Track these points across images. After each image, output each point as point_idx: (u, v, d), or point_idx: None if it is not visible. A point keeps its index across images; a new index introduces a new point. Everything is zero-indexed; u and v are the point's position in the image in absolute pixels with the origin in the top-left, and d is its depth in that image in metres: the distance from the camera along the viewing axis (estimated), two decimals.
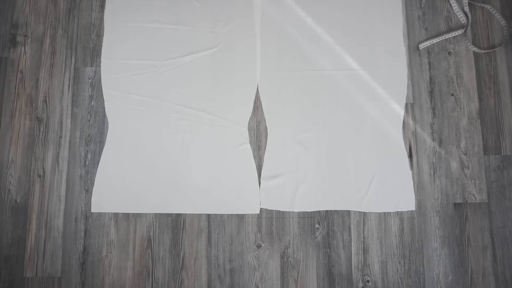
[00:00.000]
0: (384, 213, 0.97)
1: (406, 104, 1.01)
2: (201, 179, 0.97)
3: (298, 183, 0.98)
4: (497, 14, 1.05)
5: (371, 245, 0.96)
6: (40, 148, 0.99)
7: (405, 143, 1.00)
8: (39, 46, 1.04)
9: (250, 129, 1.00)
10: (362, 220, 0.97)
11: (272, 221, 0.96)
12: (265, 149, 0.99)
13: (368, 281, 0.94)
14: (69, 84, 1.02)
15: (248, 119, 1.00)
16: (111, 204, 0.97)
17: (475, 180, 0.98)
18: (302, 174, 0.98)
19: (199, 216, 0.97)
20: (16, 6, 1.05)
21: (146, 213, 0.97)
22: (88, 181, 0.98)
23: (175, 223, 0.96)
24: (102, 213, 0.97)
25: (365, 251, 0.95)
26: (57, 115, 1.01)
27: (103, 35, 1.04)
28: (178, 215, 0.97)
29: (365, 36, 1.04)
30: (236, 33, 1.03)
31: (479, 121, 1.01)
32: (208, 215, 0.97)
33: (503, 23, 1.04)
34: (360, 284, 0.94)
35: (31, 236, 0.96)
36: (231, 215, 0.97)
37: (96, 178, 0.98)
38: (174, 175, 0.98)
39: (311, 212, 0.97)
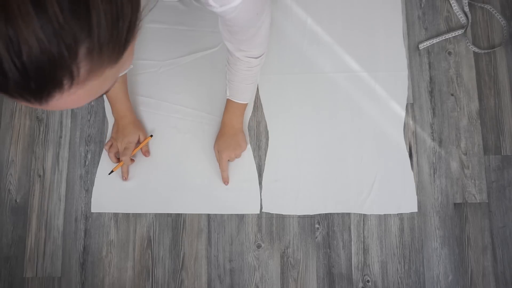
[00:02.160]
0: (384, 213, 0.97)
1: (406, 104, 1.01)
2: (201, 179, 0.97)
3: (300, 186, 0.98)
4: (497, 14, 1.05)
5: (371, 245, 0.96)
6: (40, 148, 0.99)
7: (405, 143, 1.00)
8: None
9: (250, 129, 1.00)
10: (362, 220, 0.97)
11: (272, 221, 0.96)
12: (265, 149, 0.99)
13: (368, 281, 0.94)
14: None
15: (248, 119, 1.00)
16: (111, 204, 0.97)
17: (475, 180, 0.98)
18: (304, 177, 0.98)
19: (199, 216, 0.97)
20: None
21: (146, 213, 0.97)
22: (88, 181, 0.98)
23: (175, 223, 0.96)
24: (102, 213, 0.97)
25: (365, 251, 0.95)
26: (57, 115, 1.01)
27: None
28: (178, 215, 0.97)
29: (365, 37, 1.04)
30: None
31: (479, 121, 1.01)
32: (208, 215, 0.97)
33: (503, 23, 1.04)
34: (360, 284, 0.94)
35: (31, 236, 0.96)
36: (231, 215, 0.97)
37: (96, 178, 0.98)
38: (174, 175, 0.98)
39: None
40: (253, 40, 0.68)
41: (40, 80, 0.29)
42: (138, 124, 0.95)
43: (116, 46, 0.32)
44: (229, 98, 0.89)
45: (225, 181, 0.95)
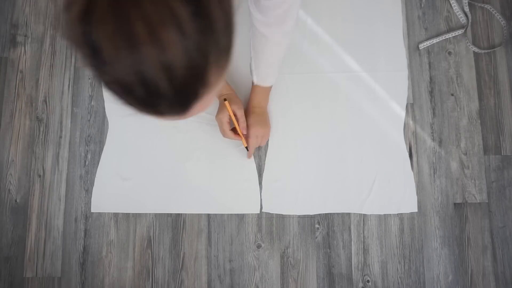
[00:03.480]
0: (385, 213, 0.97)
1: (406, 104, 1.01)
2: (201, 179, 0.97)
3: (300, 186, 0.98)
4: (497, 14, 1.05)
5: (371, 245, 0.96)
6: (40, 148, 0.99)
7: (405, 143, 1.00)
8: (39, 46, 1.04)
9: None
10: (362, 220, 0.97)
11: (272, 221, 0.96)
12: (265, 149, 0.99)
13: (368, 281, 0.94)
14: (69, 84, 1.02)
15: None
16: (111, 204, 0.97)
17: (475, 180, 0.98)
18: (304, 177, 0.98)
19: (199, 216, 0.97)
20: (16, 6, 1.05)
21: (146, 213, 0.97)
22: (88, 181, 0.98)
23: (175, 223, 0.96)
24: (102, 213, 0.97)
25: (365, 251, 0.95)
26: (57, 115, 1.01)
27: None
28: (178, 215, 0.97)
29: (365, 37, 1.04)
30: (236, 33, 1.03)
31: (479, 121, 1.01)
32: (208, 215, 0.97)
33: (503, 23, 1.04)
34: (360, 284, 0.94)
35: (31, 236, 0.96)
36: (231, 215, 0.97)
37: (96, 178, 0.98)
38: (174, 175, 0.98)
39: None
40: (288, 12, 0.69)
41: (185, 94, 0.34)
42: (231, 97, 0.90)
43: (231, 47, 0.37)
44: (257, 84, 0.90)
45: (250, 156, 0.97)
